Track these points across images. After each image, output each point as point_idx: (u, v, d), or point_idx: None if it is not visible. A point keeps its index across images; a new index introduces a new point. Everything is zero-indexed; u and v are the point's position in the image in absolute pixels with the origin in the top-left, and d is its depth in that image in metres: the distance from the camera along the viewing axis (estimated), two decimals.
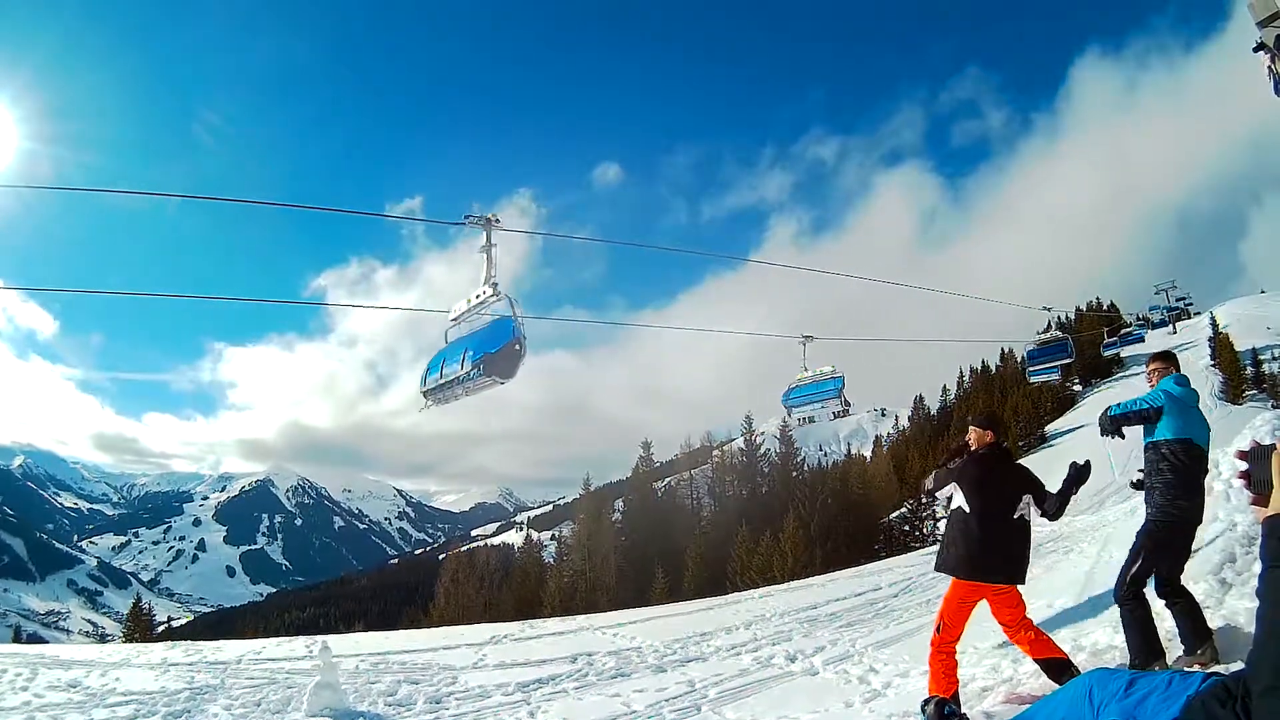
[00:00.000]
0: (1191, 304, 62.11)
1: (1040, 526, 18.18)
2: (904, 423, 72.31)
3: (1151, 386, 5.17)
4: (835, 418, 11.24)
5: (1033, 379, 15.73)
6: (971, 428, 5.15)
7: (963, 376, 70.31)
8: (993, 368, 67.31)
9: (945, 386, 70.77)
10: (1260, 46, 4.05)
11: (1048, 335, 12.87)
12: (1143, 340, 45.03)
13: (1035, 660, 4.79)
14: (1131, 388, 43.19)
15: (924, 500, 39.84)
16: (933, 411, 67.83)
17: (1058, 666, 4.58)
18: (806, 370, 10.55)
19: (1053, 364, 13.17)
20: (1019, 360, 13.57)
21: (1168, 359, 5.31)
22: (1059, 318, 57.11)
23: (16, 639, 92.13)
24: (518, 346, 7.02)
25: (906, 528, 42.56)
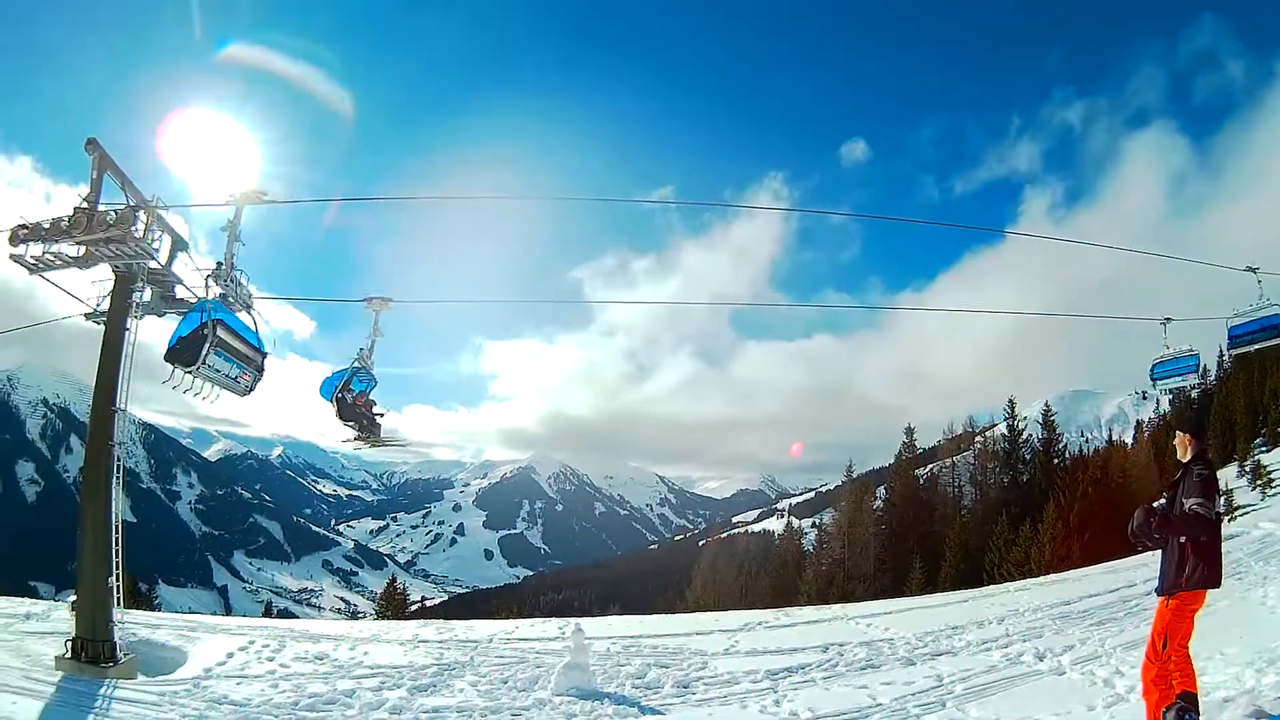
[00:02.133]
0: None
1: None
2: (1165, 406, 63.13)
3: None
4: (1193, 390, 13.55)
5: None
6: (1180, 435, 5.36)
7: (1222, 355, 59.86)
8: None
9: (1205, 366, 60.68)
10: None
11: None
12: None
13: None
14: None
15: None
16: (1193, 394, 58.77)
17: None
18: (1168, 349, 11.38)
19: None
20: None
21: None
22: None
23: (267, 614, 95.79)
24: (205, 331, 6.49)
25: None
